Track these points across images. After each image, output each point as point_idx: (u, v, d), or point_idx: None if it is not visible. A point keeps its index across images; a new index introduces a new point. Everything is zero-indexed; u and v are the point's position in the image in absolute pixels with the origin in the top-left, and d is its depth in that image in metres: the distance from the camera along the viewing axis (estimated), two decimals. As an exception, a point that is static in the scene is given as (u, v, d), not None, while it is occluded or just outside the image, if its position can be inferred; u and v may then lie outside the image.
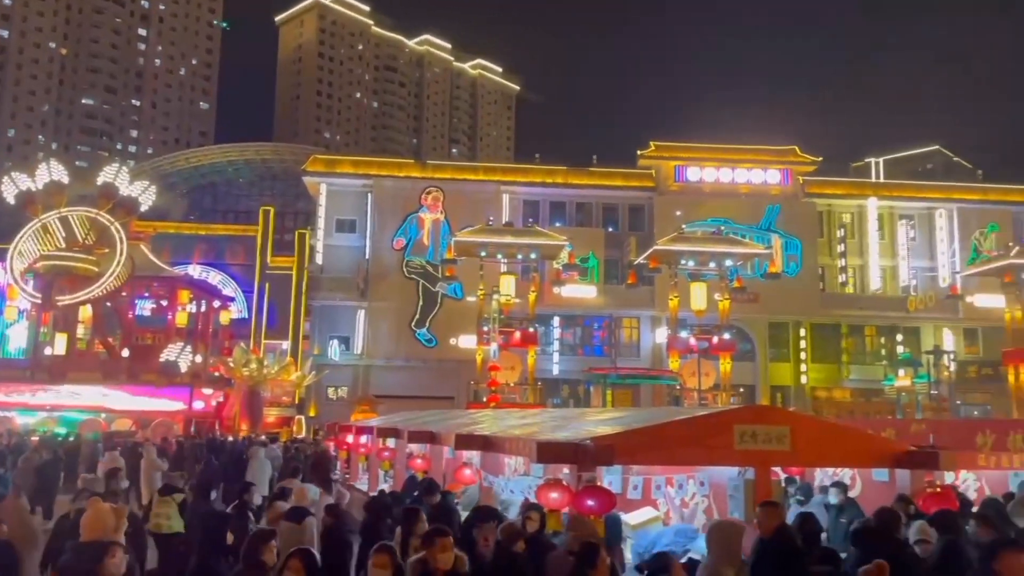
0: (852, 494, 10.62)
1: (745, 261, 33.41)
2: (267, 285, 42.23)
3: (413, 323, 42.17)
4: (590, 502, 5.79)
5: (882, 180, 63.42)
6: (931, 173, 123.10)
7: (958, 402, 40.13)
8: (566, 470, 6.31)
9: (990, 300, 38.03)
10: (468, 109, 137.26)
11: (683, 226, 36.33)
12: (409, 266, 42.80)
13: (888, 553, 5.30)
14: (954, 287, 41.39)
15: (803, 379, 43.65)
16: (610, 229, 45.22)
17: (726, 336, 29.99)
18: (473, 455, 9.73)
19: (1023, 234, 43.07)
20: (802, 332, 43.86)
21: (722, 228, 37.06)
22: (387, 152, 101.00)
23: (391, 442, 12.54)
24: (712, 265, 30.74)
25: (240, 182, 60.73)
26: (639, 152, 45.90)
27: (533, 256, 30.29)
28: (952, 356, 40.03)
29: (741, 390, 38.58)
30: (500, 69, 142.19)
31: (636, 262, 35.57)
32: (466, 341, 37.57)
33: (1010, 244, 34.24)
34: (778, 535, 5.40)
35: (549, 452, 6.18)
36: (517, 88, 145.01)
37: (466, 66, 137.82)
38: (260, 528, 5.70)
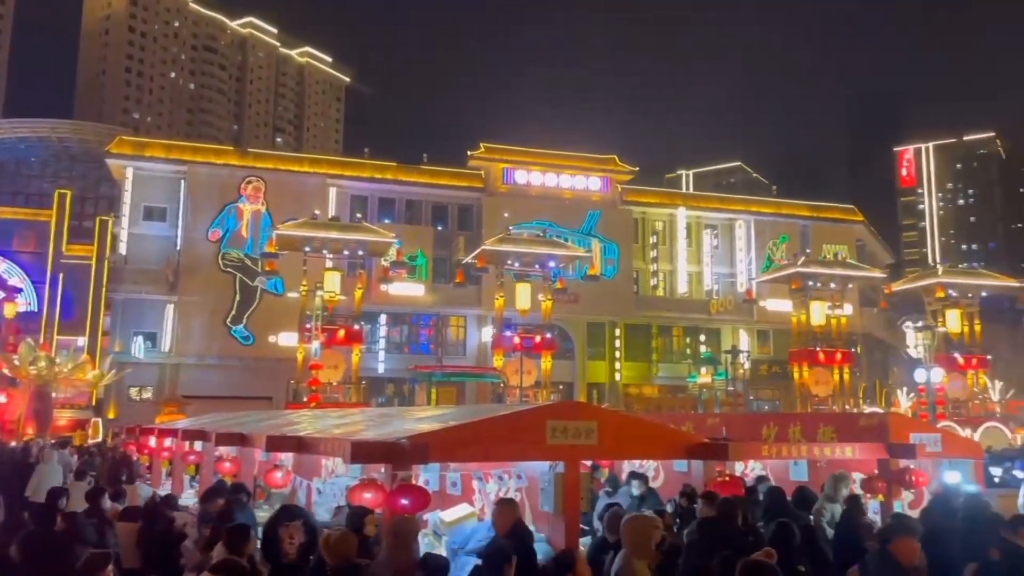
0: (656, 484, 11.34)
1: (567, 263, 34.62)
2: (61, 276, 38.36)
3: (229, 319, 40.06)
4: (404, 501, 5.76)
5: (691, 191, 68.18)
6: (733, 187, 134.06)
7: (751, 397, 43.96)
8: (383, 469, 6.24)
9: (780, 305, 41.92)
10: (294, 98, 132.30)
11: (510, 227, 37.13)
12: (226, 259, 40.59)
13: (730, 541, 5.70)
14: (750, 292, 45.36)
15: (617, 376, 46.05)
16: (439, 228, 45.37)
17: (548, 335, 30.94)
18: (287, 457, 9.38)
19: (809, 245, 47.94)
20: (617, 332, 46.27)
21: (546, 230, 38.26)
22: (204, 138, 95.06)
23: (198, 445, 11.81)
24: (537, 266, 31.61)
25: (32, 162, 54.83)
26: (469, 153, 46.43)
27: (360, 252, 29.65)
28: (747, 355, 43.81)
29: (561, 387, 40.09)
30: (330, 59, 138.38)
31: (464, 261, 35.87)
32: (286, 339, 36.16)
33: (797, 254, 37.98)
34: (514, 532, 5.54)
35: (363, 452, 6.07)
36: (347, 80, 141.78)
37: (293, 53, 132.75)
38: (93, 553, 5.18)
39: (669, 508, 8.72)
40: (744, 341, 47.32)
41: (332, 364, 27.47)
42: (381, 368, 41.16)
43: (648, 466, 11.94)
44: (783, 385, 41.80)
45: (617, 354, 46.24)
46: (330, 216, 34.35)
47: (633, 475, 9.73)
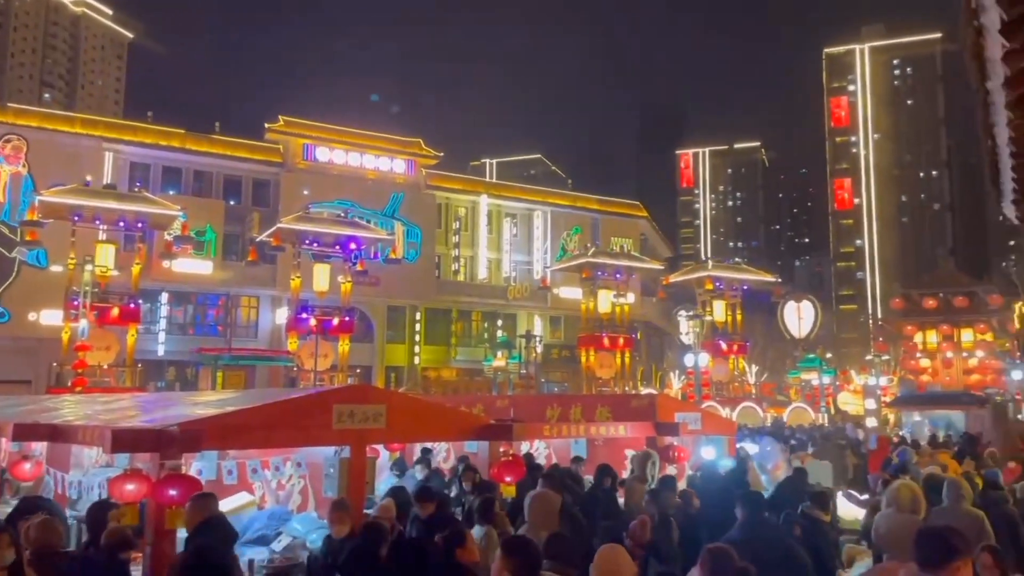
0: (447, 465, 11.56)
1: (369, 245, 34.14)
2: None
3: (-21, 294, 35.36)
4: (172, 492, 5.41)
5: (493, 180, 69.71)
6: (534, 178, 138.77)
7: (543, 380, 45.96)
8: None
9: (572, 292, 44.13)
10: (68, 51, 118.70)
11: (309, 205, 35.87)
12: (-24, 226, 35.75)
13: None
14: (544, 280, 47.32)
15: (416, 360, 46.21)
16: (232, 202, 42.82)
17: (347, 318, 30.36)
18: (39, 447, 8.48)
19: (599, 237, 50.80)
20: (417, 316, 46.40)
21: (348, 211, 37.44)
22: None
23: (-69, 436, 10.34)
24: (337, 247, 30.85)
25: None
26: (268, 125, 44.20)
27: (140, 224, 27.31)
28: (540, 340, 45.71)
29: (358, 371, 39.47)
30: (111, 12, 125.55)
31: (258, 239, 34.18)
32: (49, 316, 32.53)
33: (588, 245, 40.14)
34: (203, 527, 5.47)
35: (126, 440, 5.63)
36: (131, 36, 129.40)
37: (66, 1, 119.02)
38: None
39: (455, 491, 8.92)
40: (538, 326, 49.32)
41: (103, 345, 25.15)
42: (161, 350, 38.28)
43: (440, 447, 12.16)
44: (572, 368, 44.12)
45: (417, 338, 46.38)
46: (105, 183, 31.32)
47: (418, 460, 9.86)
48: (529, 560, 3.79)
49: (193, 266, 38.30)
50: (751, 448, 12.74)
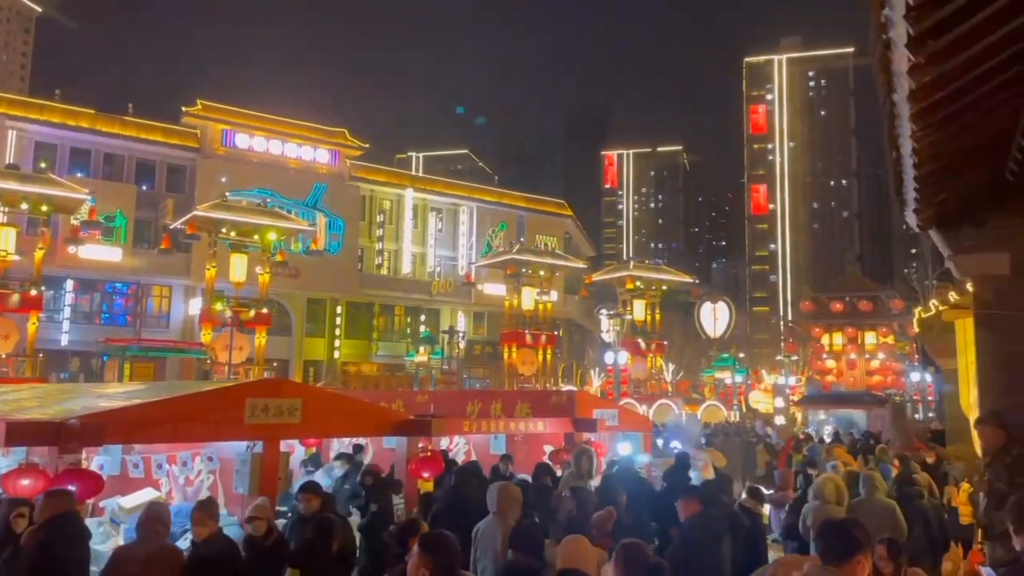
0: (366, 460, 11.39)
1: (289, 236, 33.35)
2: None
3: None
4: (71, 487, 5.16)
5: (420, 174, 69.16)
6: (460, 173, 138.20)
7: (465, 376, 45.89)
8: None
9: (496, 288, 44.14)
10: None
11: (227, 193, 34.71)
12: None
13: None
14: (469, 275, 47.21)
15: (336, 354, 45.46)
16: (144, 187, 41.14)
17: (264, 310, 29.56)
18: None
19: (524, 234, 51.05)
20: (338, 309, 45.65)
21: (268, 200, 36.44)
22: None
23: None
24: (255, 237, 29.99)
25: None
26: (184, 109, 42.62)
27: (44, 208, 25.90)
28: (463, 335, 45.65)
29: (275, 364, 38.56)
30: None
31: (172, 226, 32.84)
32: (-59, 303, 30.61)
33: (513, 242, 40.28)
34: (51, 523, 5.28)
35: (22, 433, 5.33)
36: (39, 10, 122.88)
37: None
38: None
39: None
40: (461, 322, 49.23)
41: (2, 334, 23.74)
42: (65, 340, 36.50)
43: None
44: (494, 364, 44.18)
45: (337, 331, 45.62)
46: (7, 163, 29.60)
47: (338, 455, 9.69)
48: (448, 557, 3.70)
49: (101, 252, 36.67)
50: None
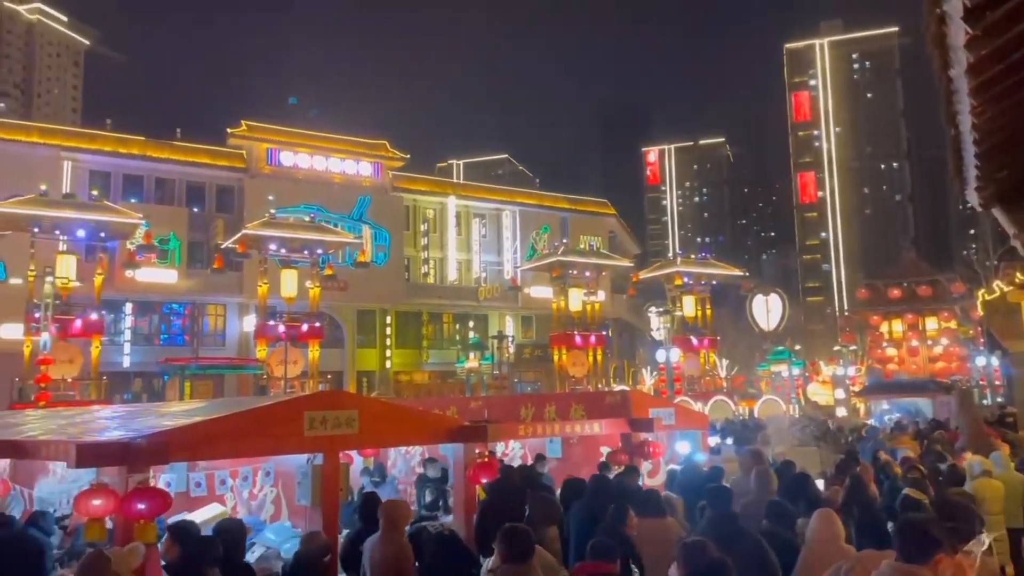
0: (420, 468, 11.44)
1: (337, 249, 33.82)
2: None
3: (-65, 309, 34.37)
4: (140, 505, 5.27)
5: (461, 181, 69.53)
6: (501, 178, 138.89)
7: (516, 380, 45.92)
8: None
9: (543, 291, 44.15)
10: (22, 59, 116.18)
11: (274, 211, 35.45)
12: (-70, 239, 34.75)
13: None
14: (515, 279, 47.28)
15: (388, 364, 45.91)
16: (195, 209, 42.19)
17: (316, 323, 30.04)
18: (3, 464, 8.23)
19: (568, 235, 50.92)
20: (388, 319, 46.11)
21: (314, 215, 37.04)
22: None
23: None
24: (304, 252, 30.52)
25: None
26: (229, 131, 43.62)
27: (101, 234, 26.75)
28: (512, 340, 45.68)
29: (329, 376, 39.13)
30: (66, 19, 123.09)
31: (224, 246, 33.65)
32: (10, 331, 31.71)
33: (557, 244, 40.17)
34: None
35: (91, 454, 5.46)
36: (88, 43, 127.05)
37: (20, 8, 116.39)
38: None
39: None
40: (509, 326, 49.27)
41: (66, 358, 24.58)
42: (127, 362, 37.61)
43: (414, 451, 12.04)
44: (544, 367, 44.12)
45: (388, 341, 46.08)
46: (64, 193, 30.63)
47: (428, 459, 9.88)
48: (522, 548, 4.61)
49: (157, 275, 37.66)
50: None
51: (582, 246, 46.50)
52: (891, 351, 35.49)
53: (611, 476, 8.77)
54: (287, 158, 43.99)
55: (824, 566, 4.49)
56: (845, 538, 5.49)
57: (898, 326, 35.45)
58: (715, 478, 8.26)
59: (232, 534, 5.89)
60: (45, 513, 7.16)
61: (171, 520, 6.76)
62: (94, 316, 25.36)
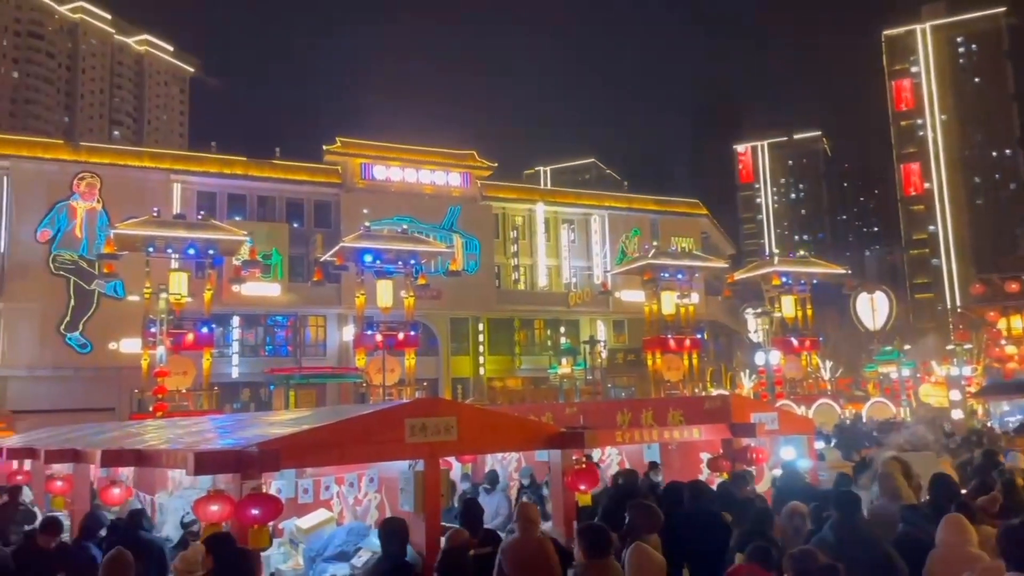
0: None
1: (429, 259, 34.45)
2: None
3: (63, 326, 37.01)
4: (254, 511, 5.50)
5: (549, 187, 69.63)
6: (588, 183, 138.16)
7: (609, 385, 45.53)
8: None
9: (634, 295, 43.65)
10: (133, 89, 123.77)
11: (368, 223, 36.46)
12: (57, 261, 37.45)
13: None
14: (605, 284, 46.92)
15: (481, 371, 46.39)
16: (295, 225, 43.90)
17: (411, 332, 30.66)
18: (127, 472, 8.76)
19: (658, 238, 50.21)
20: (480, 327, 46.61)
21: (407, 227, 37.88)
22: (31, 131, 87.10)
23: (27, 464, 10.83)
24: (398, 263, 31.23)
25: None
26: (325, 147, 45.19)
27: (209, 251, 28.17)
28: (604, 345, 45.32)
29: (425, 384, 39.87)
30: (171, 48, 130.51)
31: (322, 259, 34.84)
32: (129, 345, 33.86)
33: (647, 247, 39.66)
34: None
35: (208, 462, 5.75)
36: (191, 70, 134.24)
37: (130, 41, 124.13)
38: None
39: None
40: (601, 331, 48.92)
41: (180, 370, 25.97)
42: (235, 373, 39.37)
43: (511, 457, 12.11)
44: (638, 372, 43.56)
45: (481, 348, 46.58)
46: (174, 213, 32.44)
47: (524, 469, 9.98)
48: (600, 545, 5.08)
49: (261, 289, 39.30)
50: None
51: (674, 248, 45.74)
52: (1010, 349, 33.31)
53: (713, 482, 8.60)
54: (380, 172, 45.20)
55: (952, 572, 4.29)
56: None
57: (1017, 322, 33.26)
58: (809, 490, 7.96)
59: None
60: (142, 511, 7.54)
61: (282, 524, 7.03)
62: (205, 330, 26.70)
